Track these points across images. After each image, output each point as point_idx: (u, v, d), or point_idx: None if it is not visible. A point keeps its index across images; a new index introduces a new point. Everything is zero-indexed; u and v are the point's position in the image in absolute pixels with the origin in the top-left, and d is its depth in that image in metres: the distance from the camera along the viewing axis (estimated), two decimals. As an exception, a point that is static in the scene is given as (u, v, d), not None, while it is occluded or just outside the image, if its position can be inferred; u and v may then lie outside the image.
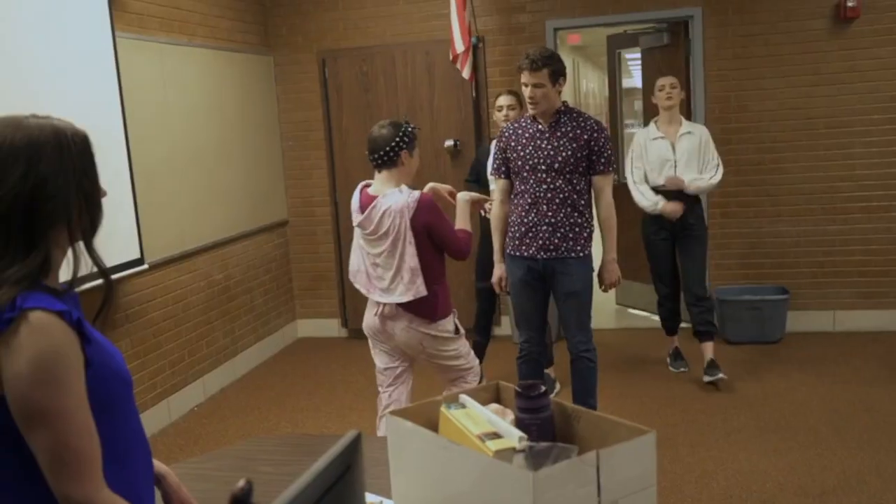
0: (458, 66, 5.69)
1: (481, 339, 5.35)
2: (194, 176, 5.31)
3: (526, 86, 3.77)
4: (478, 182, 5.18)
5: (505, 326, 6.27)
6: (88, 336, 1.45)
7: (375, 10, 6.32)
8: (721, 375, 4.84)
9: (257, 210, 6.17)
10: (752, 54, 5.83)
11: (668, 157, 4.87)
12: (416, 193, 3.35)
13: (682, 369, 5.19)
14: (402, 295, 3.40)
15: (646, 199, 4.93)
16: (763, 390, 4.85)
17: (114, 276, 4.23)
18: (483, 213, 5.04)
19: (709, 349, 4.99)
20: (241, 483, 0.90)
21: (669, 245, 5.06)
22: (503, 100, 4.96)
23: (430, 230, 3.37)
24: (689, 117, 5.73)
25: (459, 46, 5.59)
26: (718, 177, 4.91)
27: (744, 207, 5.99)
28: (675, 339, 5.31)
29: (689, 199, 4.90)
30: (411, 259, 3.34)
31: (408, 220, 3.32)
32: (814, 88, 5.77)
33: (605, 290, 4.10)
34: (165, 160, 5.00)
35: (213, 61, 5.60)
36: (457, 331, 3.58)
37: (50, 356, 1.36)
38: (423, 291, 3.38)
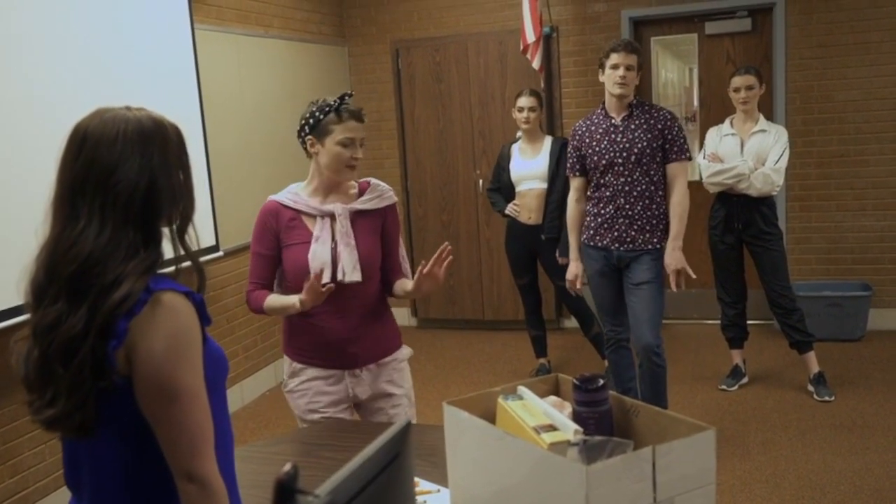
0: (529, 56, 5.64)
1: (537, 331, 5.29)
2: (267, 165, 5.41)
3: (617, 67, 3.76)
4: (499, 190, 5.09)
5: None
6: (208, 317, 1.52)
7: (449, 0, 6.32)
8: (828, 398, 4.54)
9: (330, 199, 6.24)
10: (837, 42, 5.63)
11: (736, 153, 4.63)
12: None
13: (731, 388, 4.82)
14: None
15: (709, 167, 4.55)
16: (840, 389, 4.68)
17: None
18: (512, 215, 4.98)
19: (811, 360, 4.68)
20: (287, 467, 0.92)
21: (736, 252, 4.68)
22: (524, 101, 4.81)
23: None
24: (769, 109, 5.54)
25: (530, 36, 5.54)
26: (753, 174, 4.43)
27: (825, 201, 5.79)
28: (738, 353, 4.89)
29: (756, 202, 4.53)
30: None
31: None
32: (902, 77, 5.55)
33: (675, 286, 3.81)
34: (240, 149, 5.11)
35: (288, 52, 5.69)
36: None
37: (183, 334, 1.44)
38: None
